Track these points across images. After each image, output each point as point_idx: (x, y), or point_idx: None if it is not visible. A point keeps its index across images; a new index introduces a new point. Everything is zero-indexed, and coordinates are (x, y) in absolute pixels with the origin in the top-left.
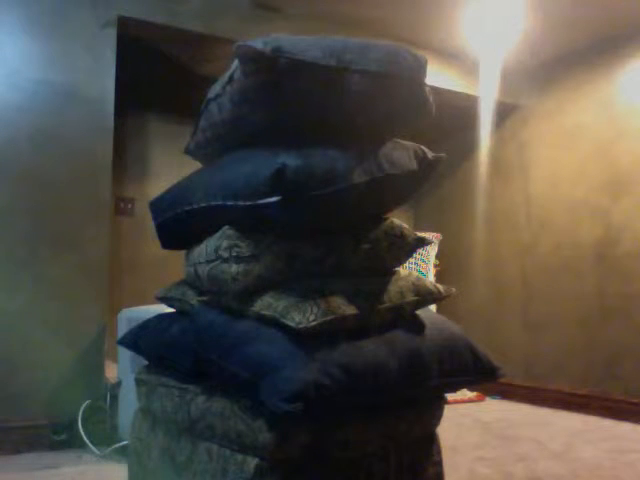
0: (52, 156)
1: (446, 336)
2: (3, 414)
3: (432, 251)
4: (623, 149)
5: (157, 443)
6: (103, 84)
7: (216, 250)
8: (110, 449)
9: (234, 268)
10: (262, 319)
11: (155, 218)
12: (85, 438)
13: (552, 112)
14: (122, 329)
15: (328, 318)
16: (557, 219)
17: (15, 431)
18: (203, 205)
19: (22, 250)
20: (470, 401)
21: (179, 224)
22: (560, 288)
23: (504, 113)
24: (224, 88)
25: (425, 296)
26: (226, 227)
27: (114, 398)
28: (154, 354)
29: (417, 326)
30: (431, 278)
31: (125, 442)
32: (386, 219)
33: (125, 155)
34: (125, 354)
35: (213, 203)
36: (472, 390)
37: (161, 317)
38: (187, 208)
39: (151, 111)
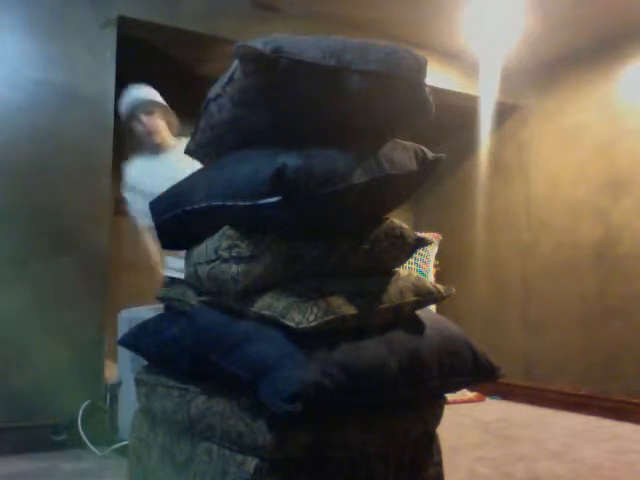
0: (52, 156)
1: (446, 336)
2: (3, 414)
3: (432, 251)
4: (623, 149)
5: (157, 443)
6: (103, 84)
7: (216, 250)
8: (110, 449)
9: (234, 268)
10: (262, 319)
11: (155, 218)
12: (85, 438)
13: (552, 112)
14: (122, 329)
15: (328, 318)
16: (557, 219)
17: (15, 431)
18: (203, 205)
19: (22, 250)
20: (470, 401)
21: (179, 224)
22: (560, 288)
23: (504, 113)
24: (224, 88)
25: (425, 296)
26: (226, 227)
27: (114, 398)
28: (154, 354)
29: (417, 326)
30: (431, 278)
31: (125, 442)
32: (386, 219)
33: (125, 155)
34: (125, 354)
35: (213, 203)
36: (472, 390)
37: (161, 317)
38: (187, 208)
39: None
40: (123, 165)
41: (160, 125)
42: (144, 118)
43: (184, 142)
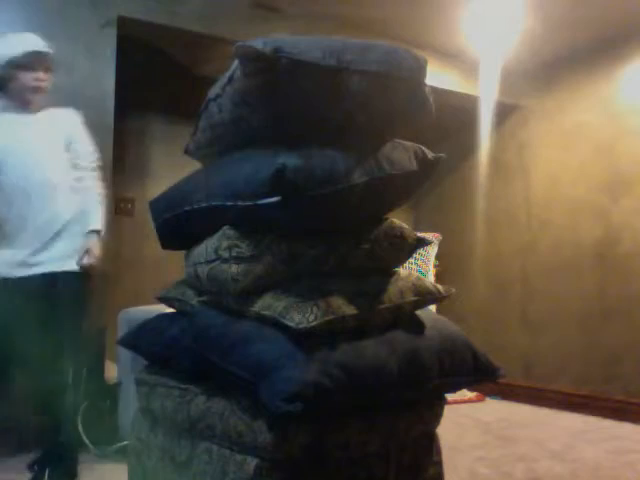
0: None
1: (446, 336)
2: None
3: (432, 251)
4: (623, 149)
5: (157, 443)
6: (103, 84)
7: (216, 250)
8: (110, 449)
9: (234, 268)
10: (262, 319)
11: (155, 218)
12: (85, 438)
13: (552, 112)
14: (122, 329)
15: (328, 318)
16: (557, 219)
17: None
18: (203, 205)
19: None
20: (470, 401)
21: (179, 224)
22: (560, 288)
23: (504, 113)
24: (224, 88)
25: (425, 296)
26: (226, 227)
27: (114, 398)
28: (154, 354)
29: (417, 326)
30: (431, 278)
31: (125, 442)
32: (386, 219)
33: (125, 155)
34: (125, 354)
35: (213, 203)
36: (472, 390)
37: (161, 317)
38: (187, 208)
39: (151, 111)
40: None
41: (47, 87)
42: (40, 73)
43: (59, 112)
